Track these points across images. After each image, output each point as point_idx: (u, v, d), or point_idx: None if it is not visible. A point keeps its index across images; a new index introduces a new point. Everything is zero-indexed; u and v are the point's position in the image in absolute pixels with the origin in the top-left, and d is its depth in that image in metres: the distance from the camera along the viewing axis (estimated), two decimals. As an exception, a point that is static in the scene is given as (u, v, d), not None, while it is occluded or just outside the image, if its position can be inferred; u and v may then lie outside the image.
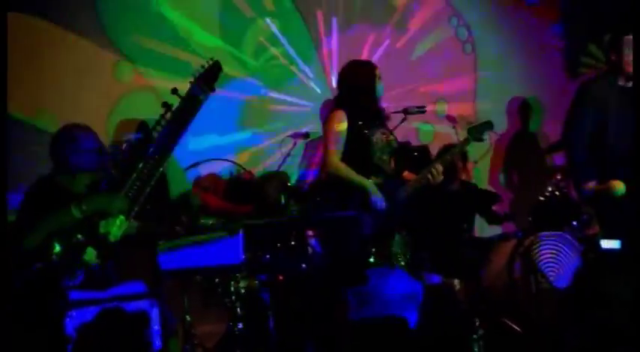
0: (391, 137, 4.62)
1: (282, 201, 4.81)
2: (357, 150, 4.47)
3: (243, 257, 4.20)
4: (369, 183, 4.42)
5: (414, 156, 5.20)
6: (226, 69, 4.32)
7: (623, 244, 4.58)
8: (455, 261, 5.28)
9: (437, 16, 6.85)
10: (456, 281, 5.06)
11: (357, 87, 4.53)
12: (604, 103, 4.79)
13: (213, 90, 3.70)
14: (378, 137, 4.50)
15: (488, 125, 4.84)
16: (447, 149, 5.34)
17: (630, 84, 4.80)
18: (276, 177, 5.11)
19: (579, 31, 7.11)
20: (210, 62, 3.69)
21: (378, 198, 4.41)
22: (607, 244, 4.72)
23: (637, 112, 4.61)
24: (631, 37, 4.74)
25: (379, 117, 4.61)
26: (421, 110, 4.85)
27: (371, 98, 4.55)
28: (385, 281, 4.58)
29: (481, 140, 4.91)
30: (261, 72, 6.15)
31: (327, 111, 5.55)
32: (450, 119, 5.78)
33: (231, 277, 4.28)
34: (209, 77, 3.69)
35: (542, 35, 7.26)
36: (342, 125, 4.44)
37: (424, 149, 5.57)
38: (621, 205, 4.64)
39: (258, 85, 6.11)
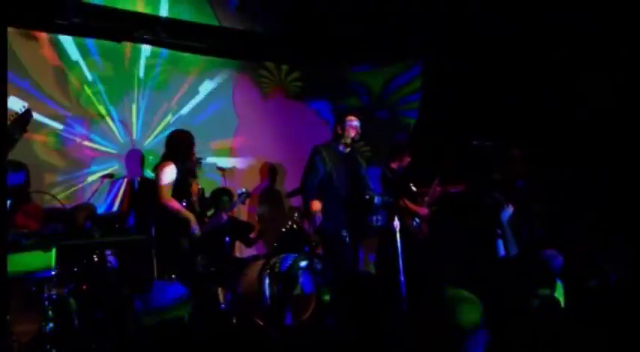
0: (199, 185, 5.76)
1: (89, 226, 5.47)
2: (182, 192, 5.54)
3: (56, 269, 4.76)
4: (192, 216, 5.47)
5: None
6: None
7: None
8: (220, 274, 6.07)
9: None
10: (220, 289, 6.05)
11: (183, 148, 5.63)
12: (330, 162, 5.81)
13: (25, 131, 4.09)
14: (194, 184, 5.64)
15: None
16: (218, 192, 6.50)
17: (348, 150, 5.95)
18: (85, 208, 5.72)
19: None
20: (23, 109, 4.02)
21: (196, 227, 5.48)
22: None
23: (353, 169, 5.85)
24: (352, 116, 5.94)
25: (194, 169, 5.72)
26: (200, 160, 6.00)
27: (191, 156, 5.66)
28: (164, 291, 5.31)
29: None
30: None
31: (130, 159, 6.55)
32: (220, 170, 6.72)
33: (45, 285, 4.72)
34: (22, 121, 4.03)
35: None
36: (173, 172, 5.49)
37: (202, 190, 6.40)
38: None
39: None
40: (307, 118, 8.74)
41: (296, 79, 8.73)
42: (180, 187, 5.58)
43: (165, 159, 5.64)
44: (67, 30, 6.71)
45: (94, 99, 6.99)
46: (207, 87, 7.87)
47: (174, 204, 5.50)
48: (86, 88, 6.96)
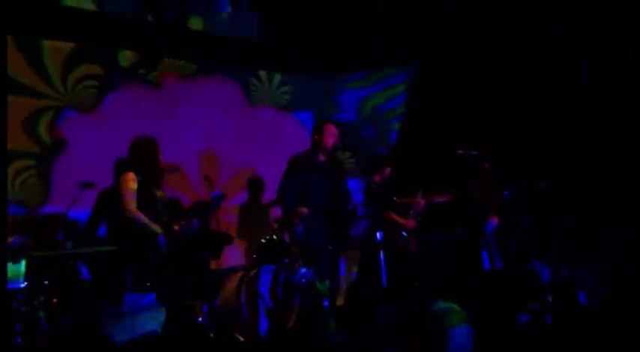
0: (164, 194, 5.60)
1: (60, 237, 5.32)
2: (145, 202, 5.38)
3: (25, 283, 4.79)
4: (159, 228, 5.32)
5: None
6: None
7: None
8: (197, 286, 5.90)
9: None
10: (199, 303, 5.76)
11: (147, 155, 5.47)
12: (307, 172, 5.76)
13: None
14: (159, 193, 5.51)
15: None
16: (199, 204, 6.34)
17: (326, 159, 5.87)
18: (58, 217, 5.54)
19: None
20: None
21: (163, 240, 5.35)
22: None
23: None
24: (330, 124, 5.90)
25: (158, 178, 5.57)
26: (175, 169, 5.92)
27: (155, 164, 5.52)
28: (136, 304, 5.24)
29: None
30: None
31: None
32: (207, 178, 6.44)
33: (13, 298, 4.71)
34: None
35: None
36: (134, 182, 5.31)
37: (177, 201, 6.40)
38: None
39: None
40: (294, 130, 8.69)
41: (285, 92, 8.73)
42: (144, 197, 5.40)
43: (126, 168, 5.48)
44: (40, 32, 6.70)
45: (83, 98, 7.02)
46: (196, 93, 7.84)
47: (140, 216, 5.32)
48: (78, 86, 6.99)
